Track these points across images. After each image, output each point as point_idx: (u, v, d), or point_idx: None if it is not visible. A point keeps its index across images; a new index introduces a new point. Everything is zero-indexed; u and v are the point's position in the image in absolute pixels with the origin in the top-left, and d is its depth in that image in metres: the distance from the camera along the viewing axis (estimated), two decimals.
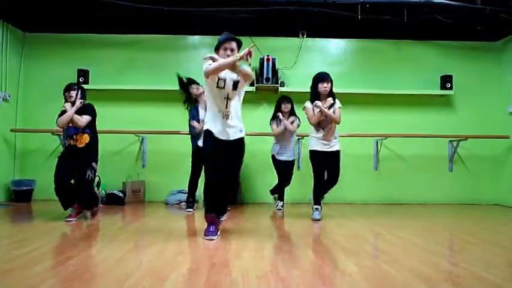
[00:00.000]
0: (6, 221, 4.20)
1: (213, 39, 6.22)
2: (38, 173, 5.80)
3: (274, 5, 5.14)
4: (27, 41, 6.11)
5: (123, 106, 5.96)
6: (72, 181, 4.00)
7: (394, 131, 5.85)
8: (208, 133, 3.20)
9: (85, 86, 5.78)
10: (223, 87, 3.21)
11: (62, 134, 5.75)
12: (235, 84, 3.24)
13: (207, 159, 3.26)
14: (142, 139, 6.00)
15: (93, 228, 3.75)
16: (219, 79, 3.20)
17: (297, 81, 5.98)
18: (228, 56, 3.16)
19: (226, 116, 3.20)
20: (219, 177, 3.14)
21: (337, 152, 4.26)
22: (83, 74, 5.88)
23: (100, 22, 5.84)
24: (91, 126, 4.10)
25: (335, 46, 6.29)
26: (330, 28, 5.95)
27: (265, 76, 5.69)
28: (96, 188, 5.34)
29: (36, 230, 3.49)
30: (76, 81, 5.86)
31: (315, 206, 4.26)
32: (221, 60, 3.12)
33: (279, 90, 5.79)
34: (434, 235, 3.59)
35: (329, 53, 6.29)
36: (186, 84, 4.78)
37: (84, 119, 4.00)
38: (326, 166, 4.27)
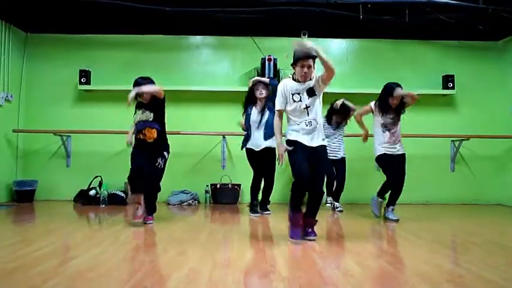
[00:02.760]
0: (9, 221, 4.22)
1: (215, 40, 6.30)
2: (40, 174, 5.82)
3: (275, 5, 5.14)
4: (29, 42, 6.12)
5: (125, 106, 5.94)
6: None
7: None
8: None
9: (87, 87, 5.88)
10: (300, 100, 3.19)
11: (63, 134, 5.79)
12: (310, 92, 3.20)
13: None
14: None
15: (95, 228, 3.76)
16: (293, 94, 3.20)
17: None
18: (305, 73, 3.18)
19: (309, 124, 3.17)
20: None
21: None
22: (85, 74, 5.88)
23: (102, 23, 5.85)
24: (160, 120, 4.05)
25: (337, 46, 6.29)
26: (332, 28, 5.95)
27: (266, 76, 5.68)
28: (98, 188, 5.38)
29: (39, 230, 3.50)
30: (78, 82, 5.89)
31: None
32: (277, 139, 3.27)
33: None
34: (436, 235, 3.58)
35: (331, 53, 6.27)
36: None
37: (158, 87, 4.01)
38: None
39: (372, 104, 4.38)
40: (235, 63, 6.17)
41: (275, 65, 5.77)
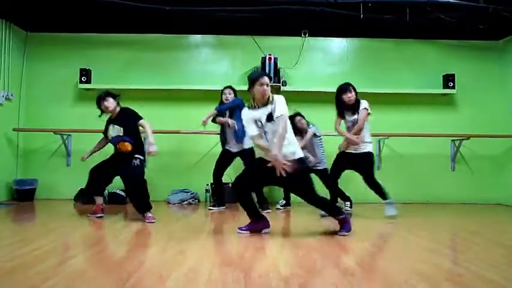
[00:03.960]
0: (9, 220, 4.22)
1: (215, 39, 6.30)
2: (41, 173, 5.83)
3: (276, 4, 5.14)
4: (29, 41, 6.12)
5: (125, 105, 5.94)
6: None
7: (396, 130, 5.83)
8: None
9: (87, 86, 5.87)
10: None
11: (64, 133, 5.79)
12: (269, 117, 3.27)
13: None
14: (144, 138, 5.98)
15: (95, 227, 3.76)
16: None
17: (299, 80, 5.98)
18: (265, 90, 3.23)
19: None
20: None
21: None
22: (85, 73, 5.89)
23: (102, 21, 5.86)
24: (132, 134, 4.09)
25: (337, 45, 6.28)
26: (332, 27, 5.94)
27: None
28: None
29: (39, 229, 3.51)
30: (78, 81, 5.89)
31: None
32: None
33: (281, 89, 5.78)
34: (436, 234, 3.58)
35: (331, 52, 6.29)
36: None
37: (147, 126, 4.11)
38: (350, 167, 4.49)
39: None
40: (235, 62, 6.17)
41: (275, 64, 5.78)
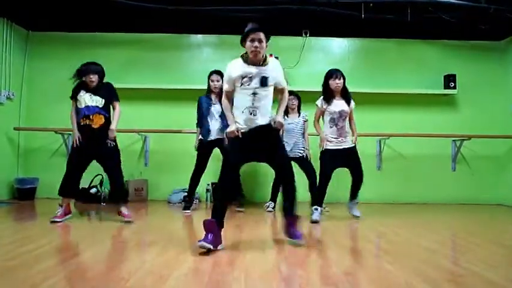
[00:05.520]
0: (10, 219, 4.22)
1: (216, 38, 6.30)
2: (42, 171, 5.83)
3: (277, 4, 5.14)
4: (31, 40, 6.13)
5: (127, 105, 5.87)
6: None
7: (397, 130, 5.83)
8: None
9: None
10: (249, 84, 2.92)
11: (65, 132, 5.79)
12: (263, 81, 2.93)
13: None
14: (145, 138, 6.01)
15: (95, 226, 3.76)
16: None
17: (300, 80, 5.97)
18: (256, 47, 2.86)
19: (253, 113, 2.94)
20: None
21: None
22: None
23: (104, 21, 5.86)
24: (108, 108, 3.93)
25: (338, 45, 6.28)
26: (333, 27, 5.94)
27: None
28: (99, 186, 5.38)
29: (40, 228, 3.51)
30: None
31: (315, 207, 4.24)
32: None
33: None
34: (436, 235, 3.58)
35: (332, 52, 6.28)
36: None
37: (117, 110, 3.97)
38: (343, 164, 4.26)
39: (318, 101, 4.27)
40: None
41: None
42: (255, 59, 2.91)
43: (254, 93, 2.89)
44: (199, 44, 6.25)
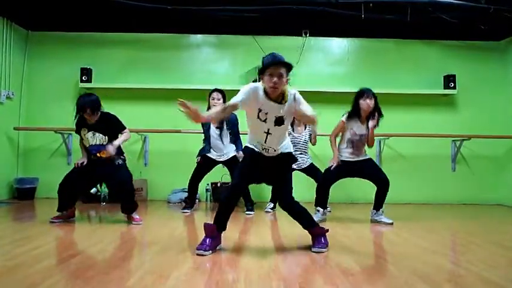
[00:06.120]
0: (10, 218, 4.22)
1: (216, 38, 6.30)
2: (41, 171, 5.83)
3: (277, 4, 5.14)
4: (30, 40, 6.13)
5: (126, 105, 5.95)
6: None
7: (397, 130, 5.82)
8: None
9: (88, 85, 5.88)
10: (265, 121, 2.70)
11: (64, 132, 5.79)
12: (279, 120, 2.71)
13: None
14: (145, 138, 6.01)
15: (95, 226, 3.76)
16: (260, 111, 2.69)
17: (299, 80, 5.96)
18: (275, 83, 2.57)
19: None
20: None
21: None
22: (86, 72, 5.89)
23: (103, 20, 5.86)
24: (115, 138, 3.75)
25: (338, 45, 6.28)
26: (333, 27, 5.94)
27: None
28: (99, 186, 5.38)
29: (39, 228, 3.50)
30: (79, 80, 5.89)
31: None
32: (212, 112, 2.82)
33: None
34: (436, 235, 3.58)
35: (332, 52, 6.28)
36: None
37: (126, 134, 3.80)
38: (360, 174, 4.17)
39: (345, 116, 4.05)
40: (236, 62, 6.16)
41: None
42: (273, 96, 2.64)
43: (268, 132, 2.71)
44: (199, 44, 6.25)
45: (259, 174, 2.91)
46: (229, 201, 2.81)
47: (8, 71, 5.67)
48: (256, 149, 2.82)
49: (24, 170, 5.96)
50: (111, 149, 3.62)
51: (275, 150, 2.80)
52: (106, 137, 3.73)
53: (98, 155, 3.72)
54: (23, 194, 5.56)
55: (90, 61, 6.00)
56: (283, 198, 2.91)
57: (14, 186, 5.63)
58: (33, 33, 6.14)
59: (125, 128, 3.83)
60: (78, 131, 3.81)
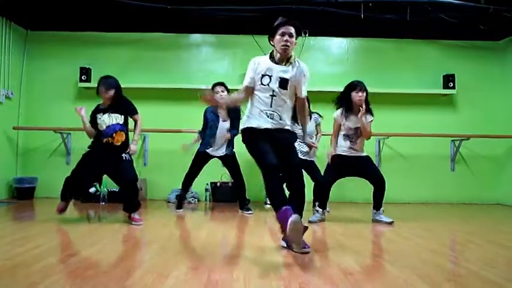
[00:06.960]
0: (9, 218, 4.22)
1: (215, 38, 6.29)
2: (40, 171, 5.83)
3: (277, 4, 5.14)
4: (29, 39, 6.12)
5: None
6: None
7: (396, 130, 5.83)
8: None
9: (87, 85, 5.87)
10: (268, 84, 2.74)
11: (64, 131, 5.78)
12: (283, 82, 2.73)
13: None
14: (144, 137, 6.00)
15: (94, 225, 3.76)
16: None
17: None
18: (286, 41, 2.64)
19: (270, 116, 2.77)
20: None
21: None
22: (86, 72, 5.89)
23: (103, 20, 5.85)
24: (127, 123, 3.89)
25: (337, 45, 6.28)
26: (333, 27, 5.94)
27: None
28: (98, 185, 5.38)
29: (39, 227, 3.50)
30: (78, 79, 5.89)
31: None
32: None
33: None
34: (436, 235, 3.58)
35: (331, 52, 6.28)
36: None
37: (139, 123, 3.98)
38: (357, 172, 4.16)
39: (336, 113, 4.11)
40: (236, 61, 6.16)
41: None
42: (284, 55, 2.69)
43: (273, 95, 2.71)
44: (199, 44, 6.25)
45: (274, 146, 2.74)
46: (272, 182, 2.60)
47: (7, 71, 5.67)
48: (257, 128, 2.75)
49: (23, 169, 5.96)
50: (134, 148, 3.87)
51: (281, 119, 2.75)
52: (122, 116, 3.83)
53: (110, 139, 3.73)
54: (22, 193, 5.55)
55: (89, 61, 6.00)
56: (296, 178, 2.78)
57: (13, 186, 5.62)
58: (32, 32, 6.13)
59: (137, 112, 3.96)
60: (93, 120, 3.86)
